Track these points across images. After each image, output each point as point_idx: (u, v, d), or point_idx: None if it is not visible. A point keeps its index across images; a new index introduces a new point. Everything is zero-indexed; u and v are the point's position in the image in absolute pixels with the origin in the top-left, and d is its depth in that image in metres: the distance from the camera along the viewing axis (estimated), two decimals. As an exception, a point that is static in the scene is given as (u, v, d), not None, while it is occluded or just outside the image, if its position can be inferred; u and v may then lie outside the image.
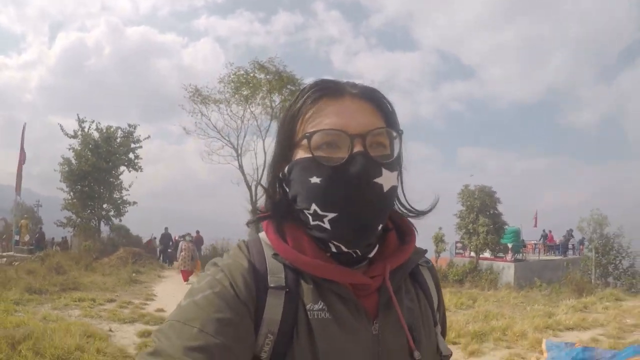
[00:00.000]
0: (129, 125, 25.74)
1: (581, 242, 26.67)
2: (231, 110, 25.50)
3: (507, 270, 23.42)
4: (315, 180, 0.86)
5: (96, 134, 24.62)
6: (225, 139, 25.75)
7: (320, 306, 0.86)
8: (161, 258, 24.11)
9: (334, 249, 0.90)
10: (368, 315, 0.89)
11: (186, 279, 15.59)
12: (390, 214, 0.96)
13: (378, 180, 0.84)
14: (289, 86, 25.04)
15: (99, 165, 23.58)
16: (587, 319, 9.70)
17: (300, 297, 0.87)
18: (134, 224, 26.83)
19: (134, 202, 25.99)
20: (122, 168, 25.39)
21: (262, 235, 0.97)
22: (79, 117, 24.67)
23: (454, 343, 7.64)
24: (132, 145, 25.47)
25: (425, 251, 1.06)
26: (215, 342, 0.76)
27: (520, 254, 26.19)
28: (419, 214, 1.02)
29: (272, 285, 0.86)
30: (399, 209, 1.01)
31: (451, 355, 1.03)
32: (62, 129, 24.54)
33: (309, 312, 0.86)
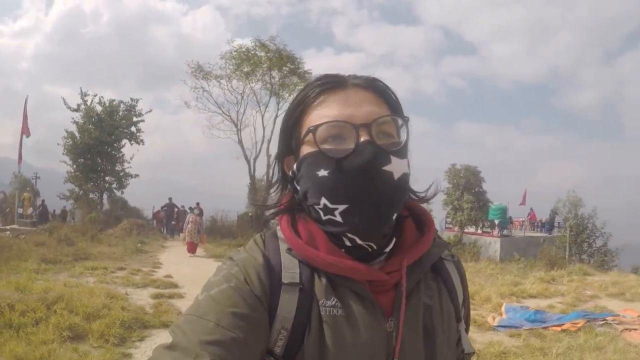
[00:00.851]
0: (132, 99, 26.48)
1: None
2: (232, 86, 26.47)
3: (493, 245, 24.67)
4: (323, 173, 0.85)
5: (99, 108, 25.24)
6: (225, 113, 26.81)
7: (333, 302, 0.86)
8: (164, 229, 24.87)
9: (348, 243, 0.88)
10: (383, 313, 0.87)
11: (192, 252, 15.95)
12: (406, 203, 0.95)
13: (387, 167, 0.83)
14: (288, 64, 25.95)
15: (102, 138, 24.31)
16: (550, 289, 10.81)
17: (314, 293, 0.87)
18: (131, 195, 27.49)
19: (136, 175, 26.85)
20: (124, 141, 26.12)
21: (279, 229, 0.97)
22: (81, 91, 25.35)
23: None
24: (134, 119, 26.18)
25: (448, 244, 1.04)
26: (231, 335, 0.77)
27: (507, 230, 27.46)
28: (423, 200, 1.02)
29: (285, 281, 0.87)
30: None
31: (474, 353, 1.03)
32: (65, 103, 25.15)
33: (321, 309, 0.85)
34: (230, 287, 0.84)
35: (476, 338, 6.52)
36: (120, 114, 25.85)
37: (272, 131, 25.86)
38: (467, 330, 1.04)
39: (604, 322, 7.48)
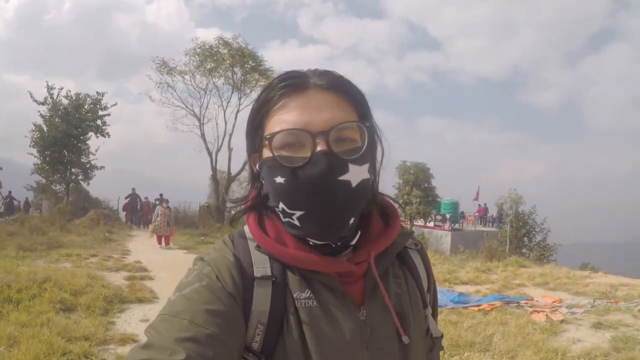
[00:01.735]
0: (97, 93, 26.88)
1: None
2: (195, 82, 27.51)
3: (444, 238, 26.34)
4: (279, 180, 0.86)
5: (65, 101, 25.59)
6: (188, 108, 27.86)
7: (307, 294, 0.88)
8: (131, 220, 25.73)
9: (311, 243, 0.90)
10: (355, 302, 0.89)
11: (162, 244, 16.34)
12: (372, 198, 0.96)
13: (344, 177, 0.83)
14: (250, 62, 27.13)
15: (69, 131, 24.72)
16: (482, 277, 12.21)
17: (288, 286, 0.88)
18: (93, 187, 27.63)
19: (102, 167, 27.27)
20: (90, 134, 26.47)
21: (246, 228, 0.97)
22: (48, 84, 25.55)
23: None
24: (100, 113, 26.58)
25: (412, 233, 1.07)
26: (206, 332, 0.77)
27: (459, 224, 29.22)
28: (394, 201, 1.05)
29: (258, 275, 0.88)
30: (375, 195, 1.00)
31: (442, 336, 1.06)
32: (32, 96, 25.32)
33: (296, 301, 0.87)
34: (202, 285, 0.84)
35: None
36: (87, 107, 26.22)
37: (233, 126, 27.33)
38: (434, 315, 1.07)
39: (517, 304, 8.73)
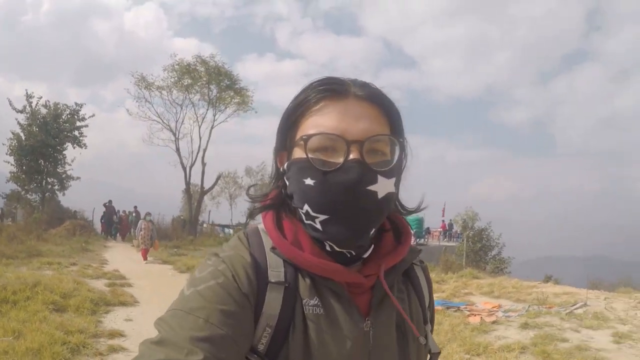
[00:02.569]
0: (76, 104, 27.48)
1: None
2: (172, 97, 28.51)
3: (408, 253, 27.55)
4: (309, 182, 0.87)
5: (44, 110, 26.05)
6: (164, 122, 28.72)
7: (316, 302, 0.89)
8: (106, 231, 26.35)
9: (328, 248, 0.91)
10: (360, 313, 0.91)
11: (146, 258, 16.13)
12: (388, 215, 0.98)
13: (372, 187, 0.85)
14: (226, 80, 28.25)
15: (47, 141, 25.26)
16: (433, 286, 13.23)
17: (298, 292, 0.90)
18: (65, 197, 28.00)
19: (78, 177, 27.80)
20: (67, 144, 27.01)
21: (261, 226, 0.98)
22: (27, 92, 25.97)
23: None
24: (78, 124, 27.16)
25: (420, 251, 1.07)
26: (221, 333, 0.78)
27: (423, 240, 30.57)
28: (410, 212, 1.05)
29: (272, 280, 0.89)
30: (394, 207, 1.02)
31: (439, 353, 1.06)
32: (11, 104, 25.70)
33: (305, 307, 0.88)
34: (218, 283, 0.84)
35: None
36: (64, 117, 26.75)
37: (207, 141, 28.43)
38: (431, 331, 1.09)
39: (457, 309, 9.74)
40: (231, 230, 31.04)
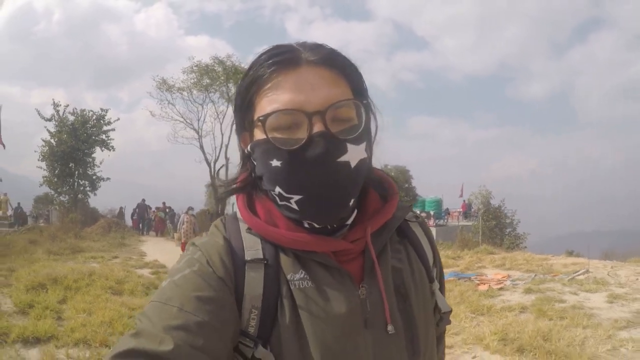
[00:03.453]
0: (101, 109, 28.83)
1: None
2: (193, 97, 29.80)
3: (430, 233, 28.46)
4: (276, 163, 0.83)
5: (71, 117, 27.47)
6: (187, 122, 29.95)
7: (302, 275, 0.86)
8: (138, 227, 27.91)
9: (306, 225, 0.88)
10: (353, 280, 0.87)
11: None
12: (368, 174, 0.92)
13: (343, 158, 0.81)
14: (245, 79, 29.65)
15: (77, 146, 26.64)
16: (449, 262, 14.09)
17: (281, 268, 0.86)
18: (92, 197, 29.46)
19: (108, 178, 29.10)
20: (96, 148, 28.33)
21: (237, 211, 0.95)
22: (54, 102, 27.39)
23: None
24: (105, 128, 28.49)
25: (410, 207, 1.04)
26: (196, 319, 0.76)
27: (443, 220, 31.38)
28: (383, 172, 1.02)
29: (249, 258, 0.86)
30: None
31: (451, 311, 1.03)
32: (39, 114, 27.18)
33: (290, 283, 0.85)
34: (193, 271, 0.83)
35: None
36: (91, 123, 28.09)
37: (229, 137, 29.58)
38: (441, 289, 1.04)
39: (468, 279, 10.47)
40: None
